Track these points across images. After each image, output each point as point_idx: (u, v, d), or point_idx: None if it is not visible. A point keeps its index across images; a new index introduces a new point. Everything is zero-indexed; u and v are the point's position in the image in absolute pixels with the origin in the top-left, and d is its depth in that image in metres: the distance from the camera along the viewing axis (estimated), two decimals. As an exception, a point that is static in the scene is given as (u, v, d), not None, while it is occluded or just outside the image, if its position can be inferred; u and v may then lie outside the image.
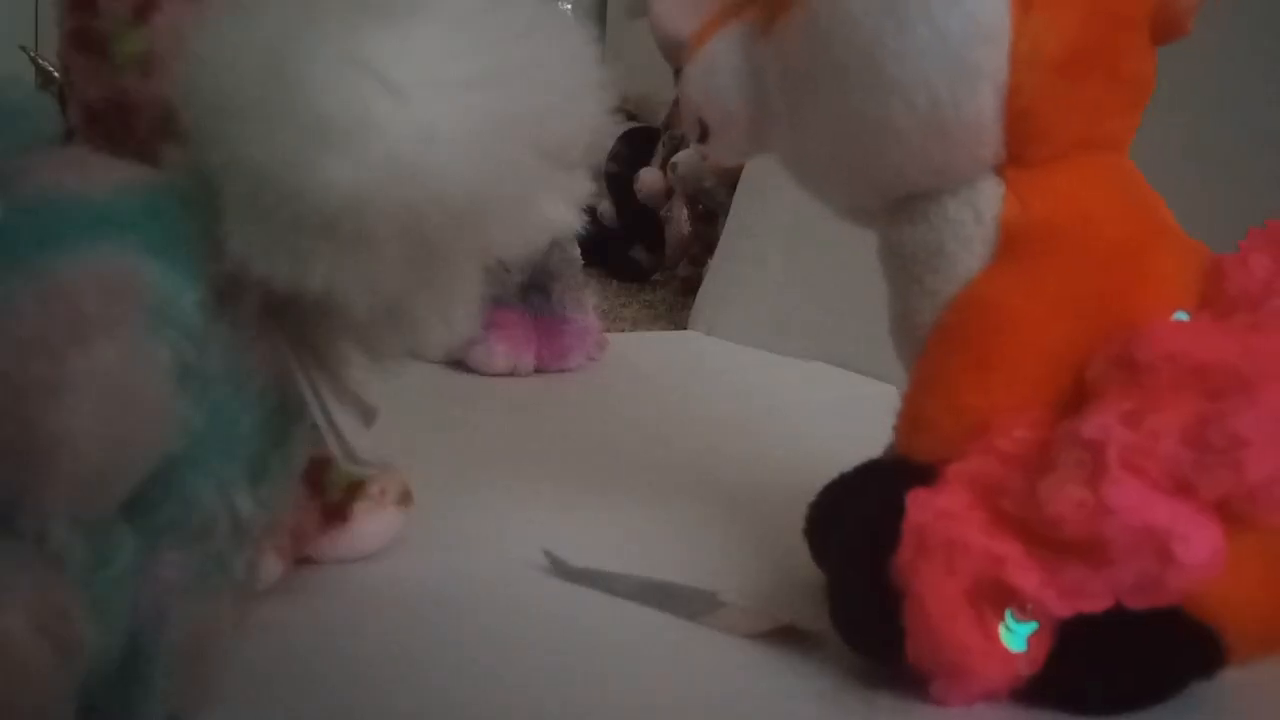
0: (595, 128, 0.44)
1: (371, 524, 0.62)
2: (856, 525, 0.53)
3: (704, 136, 0.61)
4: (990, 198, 0.54)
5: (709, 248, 1.45)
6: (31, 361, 0.35)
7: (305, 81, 0.37)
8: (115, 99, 0.53)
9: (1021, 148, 0.53)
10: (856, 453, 0.60)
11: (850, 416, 0.64)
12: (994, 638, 0.48)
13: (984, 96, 0.52)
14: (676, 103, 1.53)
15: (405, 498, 0.64)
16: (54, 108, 0.46)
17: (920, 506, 0.50)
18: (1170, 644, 0.49)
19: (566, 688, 0.52)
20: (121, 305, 0.37)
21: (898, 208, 0.56)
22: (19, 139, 0.43)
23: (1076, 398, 0.51)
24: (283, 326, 0.42)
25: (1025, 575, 0.48)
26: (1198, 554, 0.46)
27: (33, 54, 1.53)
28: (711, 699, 0.52)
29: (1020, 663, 0.49)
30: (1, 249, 0.37)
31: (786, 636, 0.56)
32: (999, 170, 0.54)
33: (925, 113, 0.52)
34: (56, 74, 1.06)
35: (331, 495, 0.61)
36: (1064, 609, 0.48)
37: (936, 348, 0.54)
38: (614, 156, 1.65)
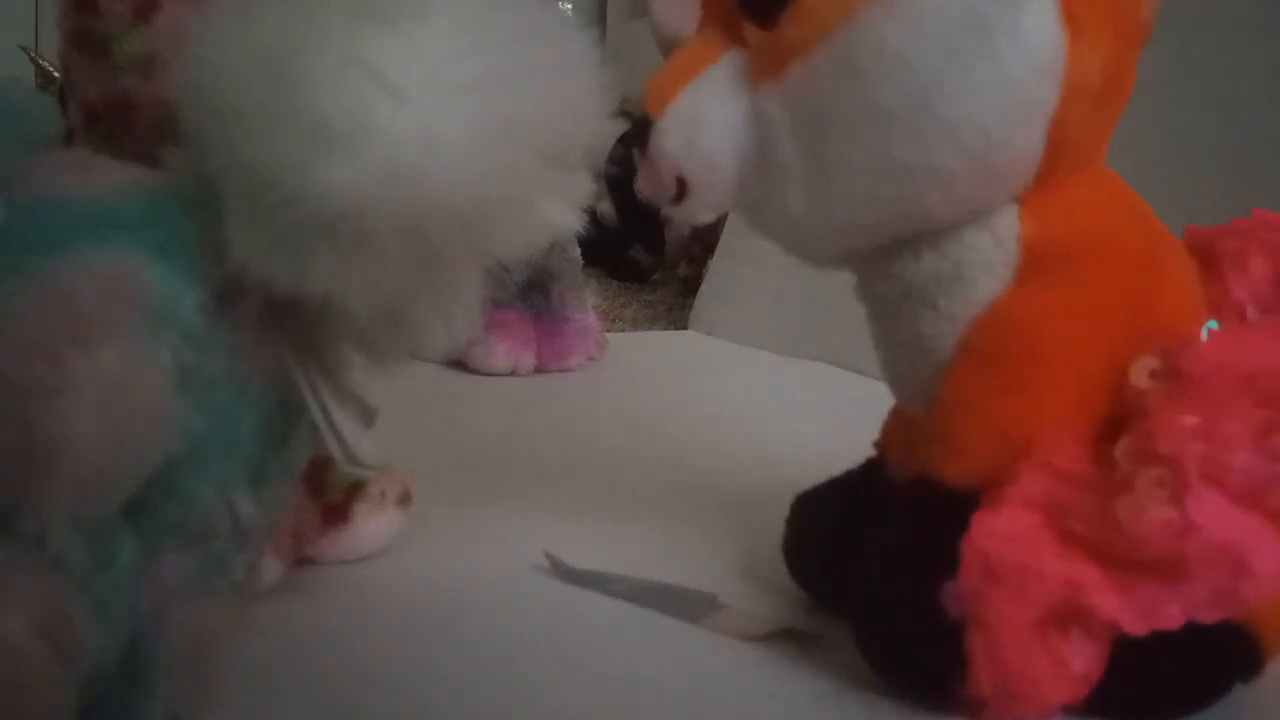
0: (596, 130, 0.44)
1: (371, 524, 0.62)
2: (893, 554, 0.52)
3: (681, 195, 0.54)
4: (1006, 219, 0.52)
5: (709, 248, 1.45)
6: (32, 364, 0.35)
7: (306, 84, 0.37)
8: (116, 100, 0.53)
9: (1048, 174, 0.51)
10: (856, 453, 0.60)
11: (850, 416, 0.64)
12: (1063, 662, 0.48)
13: (1036, 130, 0.50)
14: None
15: (405, 498, 0.64)
16: (54, 108, 0.46)
17: (984, 532, 0.48)
18: (1218, 651, 0.49)
19: (566, 688, 0.52)
20: (122, 308, 0.37)
21: (900, 244, 0.54)
22: (19, 140, 0.42)
23: (1113, 411, 0.50)
24: (283, 329, 0.42)
25: (1105, 598, 0.47)
26: (1271, 565, 0.46)
27: (33, 54, 1.53)
28: (711, 700, 0.52)
29: (1079, 682, 0.49)
30: (2, 251, 0.37)
31: (786, 639, 0.56)
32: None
33: (976, 152, 0.49)
34: (56, 74, 1.06)
35: (332, 496, 0.61)
36: (1140, 628, 0.47)
37: (967, 370, 0.52)
38: (614, 158, 1.64)
